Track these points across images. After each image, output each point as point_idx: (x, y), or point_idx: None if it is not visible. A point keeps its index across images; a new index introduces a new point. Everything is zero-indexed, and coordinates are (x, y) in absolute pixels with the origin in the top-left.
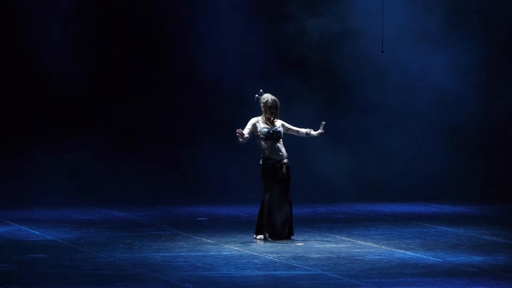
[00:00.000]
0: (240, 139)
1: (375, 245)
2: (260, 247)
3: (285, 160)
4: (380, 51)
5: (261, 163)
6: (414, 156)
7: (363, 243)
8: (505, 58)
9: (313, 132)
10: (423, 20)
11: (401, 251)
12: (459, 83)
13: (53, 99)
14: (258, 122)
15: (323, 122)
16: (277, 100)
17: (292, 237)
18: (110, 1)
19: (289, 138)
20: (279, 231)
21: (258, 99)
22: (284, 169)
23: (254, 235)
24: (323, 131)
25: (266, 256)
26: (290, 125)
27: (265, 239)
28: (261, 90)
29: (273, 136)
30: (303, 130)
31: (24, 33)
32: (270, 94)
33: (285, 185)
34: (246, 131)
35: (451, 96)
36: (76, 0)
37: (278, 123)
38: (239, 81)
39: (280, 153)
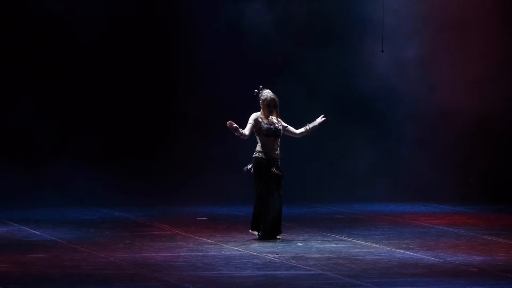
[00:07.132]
0: (236, 134)
1: (375, 245)
2: (260, 247)
3: (279, 160)
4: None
5: (256, 156)
6: (413, 156)
7: (363, 243)
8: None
9: (311, 124)
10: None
11: (401, 251)
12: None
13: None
14: (260, 118)
15: (322, 115)
16: (276, 98)
17: (278, 236)
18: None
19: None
20: (269, 231)
21: (258, 93)
22: (276, 168)
23: (250, 230)
24: (323, 119)
25: (266, 256)
26: (288, 125)
27: (254, 234)
28: (261, 86)
29: (274, 133)
30: (302, 129)
31: None
32: (269, 91)
33: (277, 183)
34: (248, 128)
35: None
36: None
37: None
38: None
39: (276, 152)
